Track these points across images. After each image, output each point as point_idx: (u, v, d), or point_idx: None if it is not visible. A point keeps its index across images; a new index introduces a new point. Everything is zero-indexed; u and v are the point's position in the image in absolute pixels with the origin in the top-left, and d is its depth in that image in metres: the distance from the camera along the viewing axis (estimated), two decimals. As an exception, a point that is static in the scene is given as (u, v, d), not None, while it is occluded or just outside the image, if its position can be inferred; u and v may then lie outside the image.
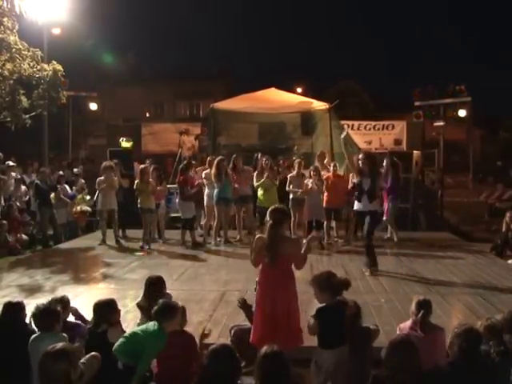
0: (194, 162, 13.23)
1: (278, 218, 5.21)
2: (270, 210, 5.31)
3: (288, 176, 12.37)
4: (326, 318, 4.77)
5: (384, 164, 12.30)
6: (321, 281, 4.96)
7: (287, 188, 12.15)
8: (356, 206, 9.62)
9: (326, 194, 11.91)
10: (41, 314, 4.64)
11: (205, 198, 12.36)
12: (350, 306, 4.90)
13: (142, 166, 12.55)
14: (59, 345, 3.62)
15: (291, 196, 12.10)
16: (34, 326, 4.77)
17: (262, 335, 5.01)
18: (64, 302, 5.30)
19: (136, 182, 11.83)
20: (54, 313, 4.68)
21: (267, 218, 5.31)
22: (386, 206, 12.30)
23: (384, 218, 12.59)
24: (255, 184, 12.19)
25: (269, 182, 12.03)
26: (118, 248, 11.90)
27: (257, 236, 5.45)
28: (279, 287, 5.10)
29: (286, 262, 5.15)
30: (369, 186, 9.32)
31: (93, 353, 4.41)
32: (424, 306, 4.85)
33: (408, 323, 4.95)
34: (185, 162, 12.79)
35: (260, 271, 5.28)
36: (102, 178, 12.11)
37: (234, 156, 12.65)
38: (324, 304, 4.90)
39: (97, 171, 18.53)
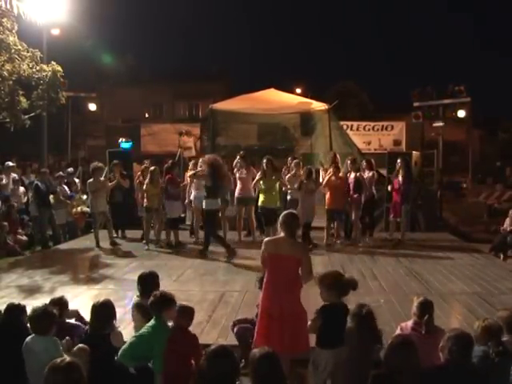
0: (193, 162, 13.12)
1: (290, 220, 5.25)
2: (282, 214, 5.35)
3: (286, 177, 12.37)
4: (328, 316, 4.76)
5: (398, 165, 12.26)
6: (328, 280, 4.94)
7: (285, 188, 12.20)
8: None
9: (327, 195, 11.94)
10: (37, 316, 4.60)
11: (192, 199, 12.34)
12: (367, 307, 4.82)
13: (151, 167, 12.45)
14: (67, 358, 3.58)
15: (288, 197, 12.12)
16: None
17: (267, 340, 4.92)
18: (62, 302, 5.29)
19: (146, 182, 11.79)
20: (50, 315, 4.64)
21: (280, 221, 5.32)
22: (396, 206, 12.24)
23: (391, 217, 12.57)
24: (259, 185, 12.08)
25: (268, 183, 11.96)
26: (116, 249, 11.87)
27: (265, 240, 5.42)
28: (286, 289, 5.07)
29: (295, 264, 5.18)
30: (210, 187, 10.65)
31: (80, 345, 4.43)
32: (427, 307, 4.86)
33: (409, 323, 4.95)
34: (170, 161, 12.74)
35: (267, 271, 5.28)
36: (92, 180, 11.92)
37: (239, 156, 12.54)
38: (328, 303, 4.88)
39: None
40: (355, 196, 11.94)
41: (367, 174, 12.26)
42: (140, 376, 4.74)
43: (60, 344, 4.48)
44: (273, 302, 5.10)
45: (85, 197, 14.28)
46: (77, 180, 15.34)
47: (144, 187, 11.80)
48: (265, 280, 5.29)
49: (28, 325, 4.86)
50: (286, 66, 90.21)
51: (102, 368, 4.49)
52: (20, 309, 5.01)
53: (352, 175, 12.05)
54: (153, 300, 4.84)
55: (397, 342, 3.98)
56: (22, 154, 20.67)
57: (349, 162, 12.37)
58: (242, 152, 12.87)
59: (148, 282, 5.70)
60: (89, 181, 12.05)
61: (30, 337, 4.54)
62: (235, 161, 12.64)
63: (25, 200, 13.78)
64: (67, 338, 4.44)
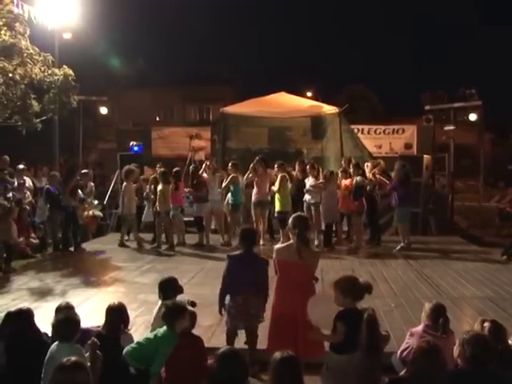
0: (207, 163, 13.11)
1: (298, 223, 5.29)
2: (291, 218, 5.41)
3: (306, 180, 12.32)
4: (349, 322, 4.71)
5: (396, 167, 12.19)
6: (344, 284, 4.80)
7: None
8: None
9: (341, 198, 12.01)
10: (62, 324, 4.53)
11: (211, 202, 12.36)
12: (369, 310, 4.78)
13: (162, 169, 12.61)
14: (73, 358, 3.56)
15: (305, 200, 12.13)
16: (52, 334, 4.70)
17: (280, 344, 4.77)
18: (69, 309, 5.25)
19: (161, 185, 11.97)
20: (75, 322, 4.59)
21: (289, 226, 5.37)
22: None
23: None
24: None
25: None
26: (128, 252, 11.92)
27: (276, 247, 5.45)
28: (300, 294, 5.04)
29: (307, 270, 5.23)
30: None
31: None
32: (441, 311, 4.84)
33: (420, 328, 4.92)
34: (193, 166, 12.84)
35: (279, 277, 5.32)
36: (126, 184, 12.27)
37: (256, 159, 12.42)
38: (344, 308, 4.81)
39: (106, 175, 18.64)
40: (355, 202, 11.80)
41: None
42: (140, 377, 4.73)
43: (83, 351, 4.45)
44: (286, 307, 5.10)
45: (96, 202, 14.34)
46: (92, 184, 15.28)
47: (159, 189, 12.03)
48: (276, 285, 5.31)
49: (40, 328, 4.87)
50: (297, 69, 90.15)
51: (111, 370, 4.48)
52: (26, 314, 4.93)
53: (354, 180, 11.96)
54: (166, 311, 4.82)
55: (426, 348, 3.95)
56: (33, 158, 20.71)
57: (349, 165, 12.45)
58: (258, 156, 12.74)
59: (174, 287, 5.65)
60: (124, 184, 12.34)
61: (54, 344, 4.48)
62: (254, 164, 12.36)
63: (29, 199, 13.68)
64: (93, 338, 4.40)
